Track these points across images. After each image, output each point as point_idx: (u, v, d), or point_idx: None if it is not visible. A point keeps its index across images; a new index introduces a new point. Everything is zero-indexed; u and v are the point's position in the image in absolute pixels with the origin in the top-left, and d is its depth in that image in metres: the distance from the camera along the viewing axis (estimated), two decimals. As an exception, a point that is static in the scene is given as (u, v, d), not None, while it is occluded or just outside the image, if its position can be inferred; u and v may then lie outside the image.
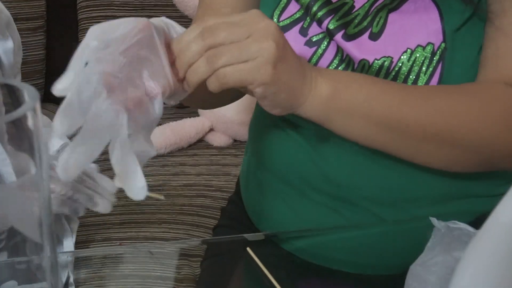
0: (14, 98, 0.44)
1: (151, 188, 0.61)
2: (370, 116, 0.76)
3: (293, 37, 0.86)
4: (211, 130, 1.65)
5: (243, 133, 1.61)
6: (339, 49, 0.84)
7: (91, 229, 1.32)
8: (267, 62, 0.67)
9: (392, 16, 0.82)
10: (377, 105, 0.75)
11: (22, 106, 0.39)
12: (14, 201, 0.40)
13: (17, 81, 0.40)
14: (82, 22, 1.77)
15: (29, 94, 0.39)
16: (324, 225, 0.91)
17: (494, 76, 0.80)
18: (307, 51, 0.85)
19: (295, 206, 0.93)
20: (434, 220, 0.79)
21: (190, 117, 1.69)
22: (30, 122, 0.39)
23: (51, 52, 1.82)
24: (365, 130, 0.77)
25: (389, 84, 0.78)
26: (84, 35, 0.61)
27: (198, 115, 1.69)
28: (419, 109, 0.76)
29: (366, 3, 0.83)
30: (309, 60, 0.85)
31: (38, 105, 0.39)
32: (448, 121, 0.77)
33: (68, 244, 1.12)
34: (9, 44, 1.13)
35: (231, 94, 0.95)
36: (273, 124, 0.94)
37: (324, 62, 0.85)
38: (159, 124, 1.67)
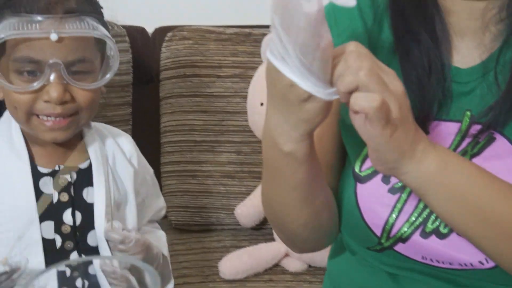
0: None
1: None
2: (468, 202, 0.77)
3: (376, 185, 0.88)
4: (286, 255, 1.66)
5: (318, 259, 1.61)
6: (423, 195, 0.86)
7: None
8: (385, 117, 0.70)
9: (475, 162, 0.83)
10: (478, 193, 0.77)
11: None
12: None
13: (141, 262, 0.44)
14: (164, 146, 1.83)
15: (151, 279, 0.43)
16: None
17: None
18: (391, 198, 0.87)
19: None
20: None
21: (265, 241, 1.71)
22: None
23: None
24: (458, 214, 0.78)
25: (494, 177, 0.79)
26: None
27: (274, 240, 1.71)
28: None
29: None
30: (394, 206, 0.87)
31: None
32: None
33: None
34: None
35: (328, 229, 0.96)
36: (357, 261, 0.94)
37: (408, 208, 0.86)
38: (236, 247, 1.70)
